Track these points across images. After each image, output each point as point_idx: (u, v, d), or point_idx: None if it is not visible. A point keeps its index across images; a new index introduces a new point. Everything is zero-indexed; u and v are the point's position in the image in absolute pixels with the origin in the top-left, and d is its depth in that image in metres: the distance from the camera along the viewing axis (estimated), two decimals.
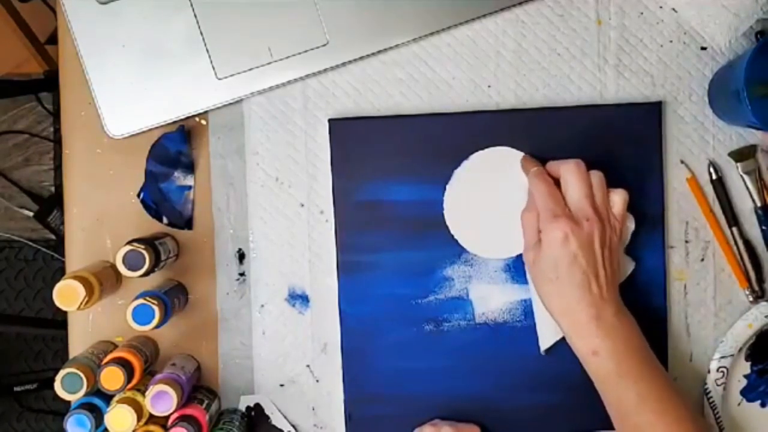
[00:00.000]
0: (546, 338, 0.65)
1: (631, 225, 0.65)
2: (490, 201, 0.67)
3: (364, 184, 0.67)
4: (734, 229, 0.68)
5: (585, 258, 0.58)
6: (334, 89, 0.68)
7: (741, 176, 0.68)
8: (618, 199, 0.61)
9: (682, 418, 0.58)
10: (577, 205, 0.59)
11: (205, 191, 0.68)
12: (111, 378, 0.59)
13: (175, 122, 0.67)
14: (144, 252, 0.60)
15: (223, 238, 0.68)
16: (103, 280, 0.62)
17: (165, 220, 0.68)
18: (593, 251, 0.58)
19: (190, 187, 0.68)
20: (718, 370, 0.67)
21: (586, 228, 0.58)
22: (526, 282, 0.67)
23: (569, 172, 0.60)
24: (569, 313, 0.59)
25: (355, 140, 0.67)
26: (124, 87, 0.67)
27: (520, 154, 0.66)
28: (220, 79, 0.67)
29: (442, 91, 0.68)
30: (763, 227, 0.68)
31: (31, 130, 1.50)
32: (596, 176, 0.60)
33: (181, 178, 0.68)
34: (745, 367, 0.69)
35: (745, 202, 0.68)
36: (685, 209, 0.68)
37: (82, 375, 0.59)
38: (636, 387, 0.58)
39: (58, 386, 0.59)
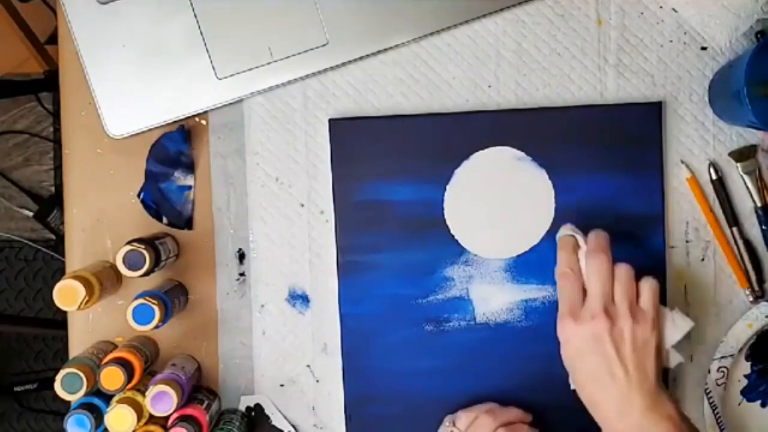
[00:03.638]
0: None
1: (682, 323, 0.59)
2: (490, 201, 0.67)
3: (364, 184, 0.67)
4: (734, 229, 0.68)
5: (594, 356, 0.56)
6: (334, 89, 0.68)
7: (741, 176, 0.68)
8: (645, 289, 0.58)
9: None
10: (590, 302, 0.57)
11: (205, 191, 0.68)
12: (111, 378, 0.59)
13: (175, 122, 0.67)
14: (144, 252, 0.60)
15: (223, 238, 0.68)
16: (103, 280, 0.62)
17: (165, 220, 0.68)
18: (604, 350, 0.56)
19: (190, 187, 0.68)
20: (718, 370, 0.67)
21: (594, 329, 0.56)
22: (526, 282, 0.67)
23: (590, 266, 0.58)
24: (594, 410, 0.57)
25: (355, 140, 0.67)
26: (124, 87, 0.67)
27: (521, 154, 0.66)
28: (220, 79, 0.67)
29: (442, 91, 0.68)
30: (763, 227, 0.68)
31: (31, 130, 1.50)
32: (622, 270, 0.58)
33: (181, 178, 0.68)
34: (746, 367, 0.69)
35: (745, 202, 0.68)
36: (685, 209, 0.68)
37: (82, 375, 0.59)
38: None
39: (58, 386, 0.59)
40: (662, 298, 0.67)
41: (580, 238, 0.60)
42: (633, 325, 0.56)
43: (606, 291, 0.57)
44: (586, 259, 0.58)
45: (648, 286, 0.58)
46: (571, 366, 0.58)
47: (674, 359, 0.60)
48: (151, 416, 0.61)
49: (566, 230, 0.62)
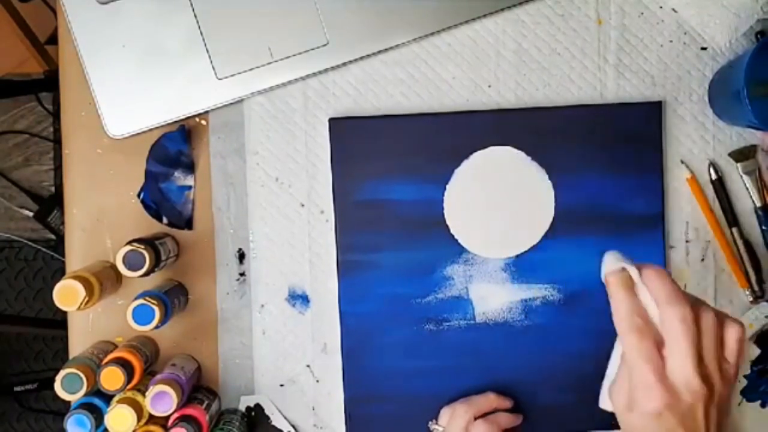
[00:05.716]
0: (607, 400, 0.53)
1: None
2: (490, 201, 0.67)
3: (364, 183, 0.67)
4: (734, 229, 0.68)
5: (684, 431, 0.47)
6: (334, 89, 0.68)
7: (741, 176, 0.68)
8: (731, 338, 0.48)
9: None
10: (681, 373, 0.46)
11: (205, 191, 0.68)
12: (111, 378, 0.59)
13: (175, 122, 0.67)
14: (144, 252, 0.60)
15: (223, 238, 0.68)
16: (103, 280, 0.62)
17: (165, 220, 0.68)
18: (696, 424, 0.47)
19: (190, 187, 0.68)
20: None
21: (690, 399, 0.46)
22: (525, 281, 0.67)
23: (675, 323, 0.46)
24: None
25: (355, 140, 0.67)
26: (124, 87, 0.67)
27: (521, 154, 0.66)
28: (220, 79, 0.67)
29: (442, 91, 0.68)
30: (763, 227, 0.68)
31: (31, 130, 1.50)
32: (709, 320, 0.47)
33: (181, 178, 0.68)
34: (746, 367, 0.69)
35: (745, 202, 0.68)
36: (685, 209, 0.68)
37: (82, 375, 0.59)
38: None
39: (58, 386, 0.59)
40: None
41: (633, 271, 0.49)
42: (723, 387, 0.47)
43: (696, 353, 0.46)
44: (664, 312, 0.47)
45: (734, 332, 0.48)
46: None
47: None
48: (151, 416, 0.61)
49: (614, 260, 0.50)
